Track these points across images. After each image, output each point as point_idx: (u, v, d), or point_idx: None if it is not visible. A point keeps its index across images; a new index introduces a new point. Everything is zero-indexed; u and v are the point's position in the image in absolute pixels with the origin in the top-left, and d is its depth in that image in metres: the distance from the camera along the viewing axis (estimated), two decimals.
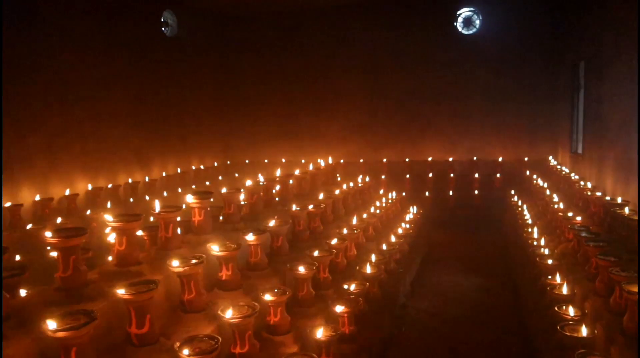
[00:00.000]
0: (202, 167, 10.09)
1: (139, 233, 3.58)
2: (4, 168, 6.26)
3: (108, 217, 3.03)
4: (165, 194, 7.77)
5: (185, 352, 2.43)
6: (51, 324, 2.13)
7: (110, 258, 3.61)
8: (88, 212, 6.71)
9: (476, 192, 10.14)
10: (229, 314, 2.85)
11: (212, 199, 3.84)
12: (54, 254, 3.53)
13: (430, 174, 10.40)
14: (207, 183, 8.87)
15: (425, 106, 10.72)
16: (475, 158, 10.55)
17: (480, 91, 10.43)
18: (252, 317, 2.91)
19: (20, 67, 6.53)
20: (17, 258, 4.62)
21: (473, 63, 10.35)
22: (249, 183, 4.85)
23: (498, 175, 10.21)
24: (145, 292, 2.56)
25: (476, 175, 10.26)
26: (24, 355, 2.10)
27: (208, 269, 3.34)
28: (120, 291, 2.52)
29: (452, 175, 10.40)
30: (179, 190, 8.26)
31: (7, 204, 6.18)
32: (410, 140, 10.95)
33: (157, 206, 3.39)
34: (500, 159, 10.40)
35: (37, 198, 6.63)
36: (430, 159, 10.74)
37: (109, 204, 6.90)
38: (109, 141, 8.06)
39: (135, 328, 2.58)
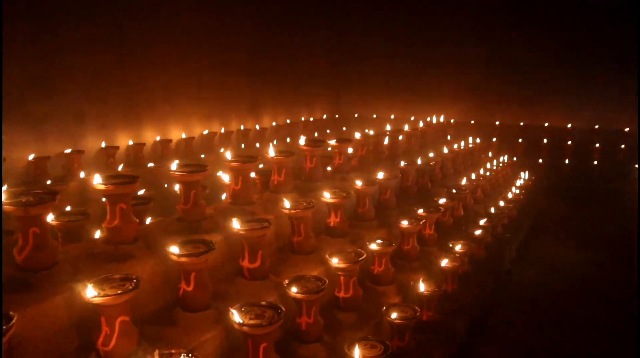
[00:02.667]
0: (311, 119, 10.21)
1: (252, 175, 3.70)
2: (130, 109, 6.73)
3: (228, 155, 3.15)
4: (275, 142, 7.96)
5: (294, 289, 2.51)
6: (174, 249, 2.27)
7: (223, 197, 3.78)
8: (202, 156, 7.04)
9: (595, 163, 9.48)
10: (336, 259, 2.90)
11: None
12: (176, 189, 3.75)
13: (545, 141, 9.84)
14: (316, 134, 8.97)
15: (544, 69, 10.02)
16: (597, 126, 9.80)
17: (607, 52, 9.55)
18: (358, 264, 2.94)
19: (143, 17, 6.85)
20: (142, 191, 4.96)
21: (600, 19, 9.45)
22: (358, 135, 4.84)
23: (622, 146, 9.44)
24: (259, 229, 2.65)
25: (597, 145, 9.56)
26: (150, 273, 2.26)
27: (316, 215, 3.38)
28: (236, 227, 2.63)
29: (569, 143, 9.77)
30: (288, 140, 8.44)
31: (130, 142, 6.64)
32: (525, 104, 10.35)
33: (271, 150, 3.48)
34: (626, 129, 9.58)
35: (158, 138, 7.04)
36: (546, 124, 10.13)
37: (222, 149, 7.20)
38: (224, 89, 8.33)
39: (247, 263, 2.70)
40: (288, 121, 9.58)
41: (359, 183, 3.77)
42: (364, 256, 3.00)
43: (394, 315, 2.90)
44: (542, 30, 9.95)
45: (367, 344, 2.55)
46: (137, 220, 2.55)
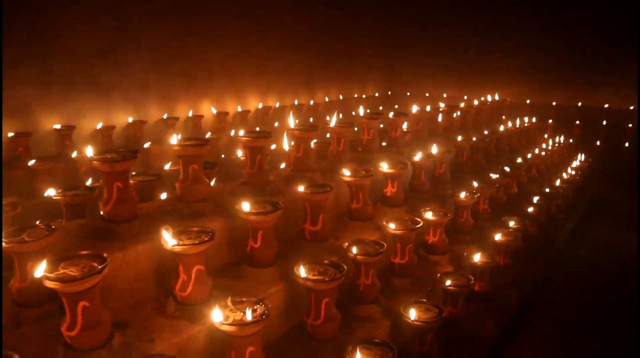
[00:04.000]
0: (363, 96, 10.25)
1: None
2: (190, 81, 6.95)
3: (291, 123, 3.28)
4: (327, 118, 8.04)
5: (354, 250, 2.62)
6: (245, 206, 2.41)
7: (282, 165, 3.92)
8: (257, 129, 7.21)
9: None
10: (393, 225, 2.99)
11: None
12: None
13: (604, 123, 9.57)
14: (368, 111, 9.00)
15: (604, 49, 9.68)
16: None
17: None
18: (415, 231, 3.03)
19: None
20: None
21: None
22: (415, 108, 4.89)
23: None
24: (322, 193, 2.76)
25: None
26: (219, 229, 2.40)
27: (373, 185, 3.47)
28: (300, 189, 2.75)
29: (630, 125, 9.46)
30: (340, 115, 8.51)
31: (190, 113, 6.87)
32: (584, 84, 10.06)
33: (333, 120, 3.58)
34: None
35: (214, 111, 7.25)
36: (606, 106, 9.83)
37: (276, 124, 7.37)
38: (280, 64, 8.46)
39: (309, 225, 2.82)
40: (341, 96, 9.65)
41: (415, 156, 3.84)
42: (421, 224, 3.08)
43: (448, 282, 2.98)
44: (603, 10, 9.61)
45: (422, 307, 2.65)
46: (208, 181, 2.70)
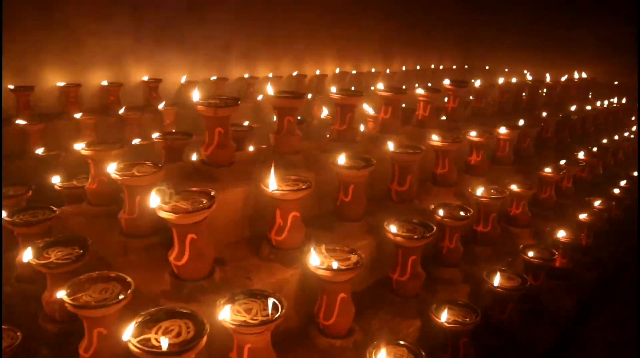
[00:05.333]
0: (441, 67, 10.04)
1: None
2: (271, 42, 7.02)
3: (380, 86, 3.28)
4: (404, 87, 7.95)
5: (440, 212, 2.63)
6: (340, 160, 2.45)
7: (361, 129, 3.94)
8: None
9: None
10: (479, 193, 2.97)
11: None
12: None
13: None
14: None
15: None
16: None
17: None
18: (500, 201, 2.99)
19: None
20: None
21: None
22: (501, 80, 4.76)
23: None
24: (412, 154, 2.77)
25: None
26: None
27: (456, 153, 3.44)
28: (391, 149, 2.76)
29: None
30: (416, 85, 8.38)
31: (270, 74, 6.96)
32: None
33: (420, 89, 3.57)
34: None
35: (295, 73, 7.31)
36: None
37: (352, 88, 7.34)
38: (357, 30, 8.37)
39: (396, 185, 2.84)
40: (418, 67, 9.49)
41: (501, 128, 3.76)
42: (506, 195, 3.05)
43: (531, 254, 2.95)
44: None
45: (505, 275, 2.64)
46: (300, 134, 2.75)
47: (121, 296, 1.69)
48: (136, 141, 4.56)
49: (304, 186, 2.15)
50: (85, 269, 1.95)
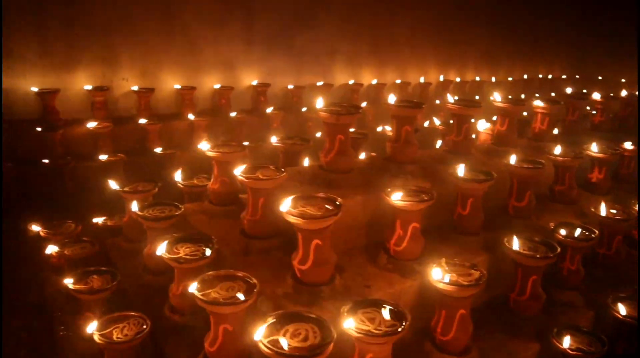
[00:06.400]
0: (549, 77, 9.61)
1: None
2: (375, 49, 7.03)
3: (497, 97, 3.18)
4: (509, 97, 7.68)
5: (562, 232, 2.50)
6: (460, 172, 2.40)
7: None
8: (437, 101, 7.12)
9: None
10: (603, 213, 2.80)
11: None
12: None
13: None
14: (552, 94, 8.44)
15: None
16: None
17: None
18: (626, 223, 2.81)
19: None
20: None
21: None
22: (624, 92, 4.48)
23: None
24: (533, 168, 2.66)
25: None
26: None
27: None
28: (511, 162, 2.67)
29: None
30: (522, 96, 8.08)
31: (374, 81, 6.96)
32: None
33: (539, 101, 3.43)
34: None
35: (398, 81, 7.27)
36: None
37: (455, 98, 7.20)
38: (462, 37, 8.18)
39: (514, 201, 2.74)
40: (525, 76, 9.13)
41: (626, 144, 3.53)
42: (634, 216, 2.85)
43: None
44: None
45: (631, 304, 2.46)
46: (417, 144, 2.73)
47: (246, 296, 1.74)
48: (245, 143, 4.71)
49: (426, 198, 2.13)
50: (210, 266, 2.04)
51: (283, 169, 2.24)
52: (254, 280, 1.83)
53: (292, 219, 1.82)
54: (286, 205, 1.85)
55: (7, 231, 3.82)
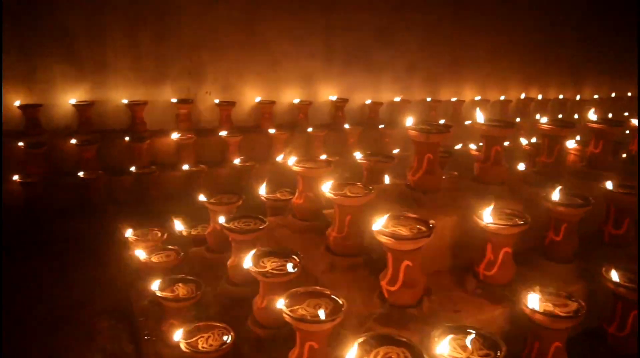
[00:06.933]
0: None
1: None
2: (454, 65, 6.91)
3: (592, 117, 3.04)
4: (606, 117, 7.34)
5: None
6: (554, 195, 2.30)
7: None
8: (518, 119, 6.91)
9: None
10: None
11: None
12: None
13: None
14: None
15: None
16: None
17: None
18: None
19: None
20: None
21: None
22: None
23: None
24: (632, 194, 2.51)
25: None
26: None
27: None
28: (608, 187, 2.53)
29: None
30: (609, 115, 7.71)
31: (453, 99, 6.85)
32: None
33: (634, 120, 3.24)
34: None
35: (477, 98, 7.11)
36: None
37: (537, 116, 6.99)
38: (545, 54, 7.87)
39: (611, 227, 2.59)
40: (613, 94, 8.70)
41: None
42: None
43: None
44: None
45: None
46: (507, 165, 2.64)
47: (334, 315, 1.72)
48: (322, 156, 4.74)
49: (520, 222, 2.04)
50: (294, 281, 2.04)
51: (371, 187, 2.22)
52: (342, 300, 1.81)
53: (383, 239, 1.79)
54: (378, 224, 1.82)
55: (95, 234, 4.02)
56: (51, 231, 4.04)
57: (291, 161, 2.56)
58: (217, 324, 2.20)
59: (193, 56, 5.24)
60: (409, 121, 2.44)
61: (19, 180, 4.09)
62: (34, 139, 4.40)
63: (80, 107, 4.74)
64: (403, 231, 1.84)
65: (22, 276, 3.48)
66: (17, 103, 4.56)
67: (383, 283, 1.90)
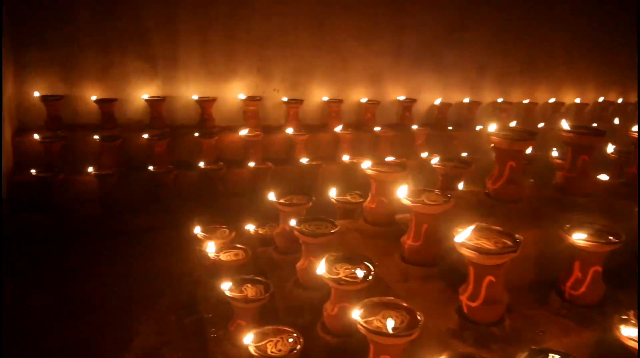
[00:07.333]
0: None
1: None
2: (527, 66, 6.63)
3: None
4: None
5: None
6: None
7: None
8: (594, 124, 6.56)
9: None
10: None
11: None
12: None
13: None
14: None
15: None
16: None
17: None
18: None
19: None
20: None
21: None
22: None
23: None
24: None
25: None
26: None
27: None
28: None
29: None
30: None
31: (526, 101, 6.58)
32: None
33: None
34: None
35: (552, 100, 6.81)
36: None
37: (616, 120, 6.65)
38: (625, 55, 7.43)
39: None
40: None
41: None
42: None
43: None
44: None
45: None
46: (594, 176, 2.48)
47: (410, 329, 1.65)
48: (389, 158, 4.64)
49: (614, 240, 1.90)
50: (366, 289, 1.98)
51: (449, 195, 2.12)
52: (419, 314, 1.73)
53: (466, 252, 1.70)
54: (462, 237, 1.73)
55: (163, 228, 4.10)
56: (122, 223, 4.16)
57: (365, 164, 2.50)
58: (287, 329, 2.17)
59: (262, 54, 5.26)
60: (492, 126, 2.32)
61: (93, 172, 4.21)
62: (108, 133, 4.54)
63: (152, 102, 4.85)
64: (487, 244, 1.74)
65: (94, 266, 3.59)
66: (93, 98, 4.71)
67: (463, 297, 1.81)
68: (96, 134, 4.44)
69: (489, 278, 1.73)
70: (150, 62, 4.94)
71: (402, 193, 2.13)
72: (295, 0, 5.25)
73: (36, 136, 4.26)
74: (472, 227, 1.76)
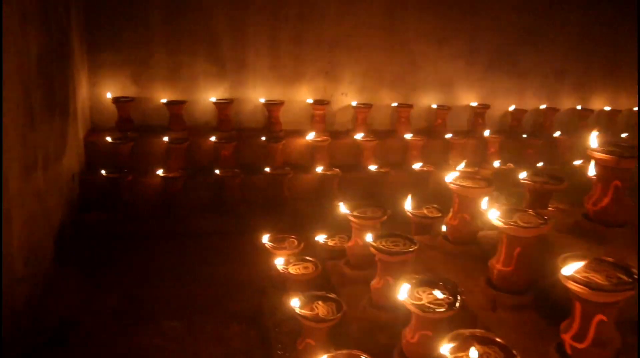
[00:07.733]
0: None
1: None
2: (611, 71, 6.22)
3: None
4: None
5: None
6: None
7: None
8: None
9: None
10: None
11: None
12: None
13: None
14: None
15: None
16: None
17: None
18: None
19: None
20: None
21: None
22: None
23: None
24: None
25: None
26: None
27: None
28: None
29: None
30: None
31: (606, 108, 6.17)
32: None
33: None
34: None
35: (636, 108, 6.36)
36: None
37: None
38: None
39: None
40: None
41: None
42: None
43: None
44: None
45: None
46: None
47: None
48: (460, 166, 4.42)
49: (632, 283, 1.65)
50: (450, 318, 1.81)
51: (546, 217, 1.92)
52: (516, 353, 1.54)
53: (574, 287, 1.51)
54: (571, 269, 1.53)
55: (228, 233, 4.04)
56: (187, 225, 4.13)
57: (449, 177, 2.32)
58: (361, 354, 2.02)
59: (330, 57, 5.14)
60: (593, 140, 2.09)
61: (162, 174, 4.21)
62: (176, 135, 4.54)
63: (220, 105, 4.81)
64: (598, 278, 1.54)
65: (159, 269, 3.56)
66: (163, 100, 4.73)
67: (566, 336, 1.61)
68: (164, 136, 4.45)
69: (600, 317, 1.52)
70: (219, 64, 4.92)
71: (493, 214, 1.94)
72: (366, 1, 5.10)
73: (108, 138, 4.29)
74: (584, 262, 1.55)
